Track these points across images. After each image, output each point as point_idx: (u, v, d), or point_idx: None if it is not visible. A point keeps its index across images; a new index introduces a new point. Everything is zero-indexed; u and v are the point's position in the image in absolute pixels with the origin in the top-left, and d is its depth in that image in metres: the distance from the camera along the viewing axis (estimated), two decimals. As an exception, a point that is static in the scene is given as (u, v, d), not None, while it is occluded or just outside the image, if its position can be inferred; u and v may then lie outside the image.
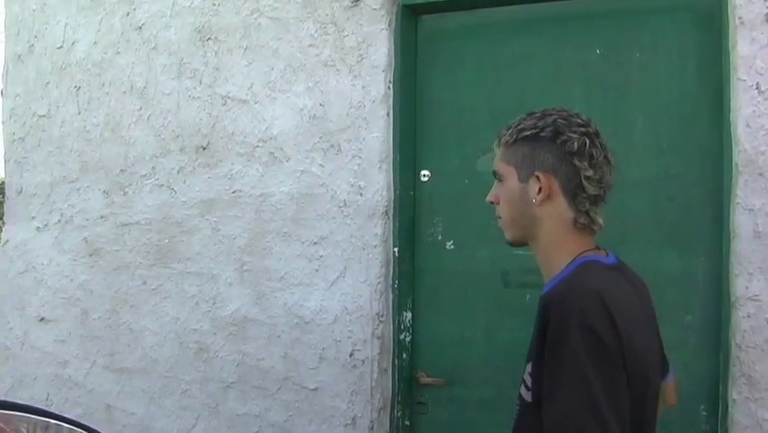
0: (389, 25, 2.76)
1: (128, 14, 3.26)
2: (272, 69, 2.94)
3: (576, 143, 1.54)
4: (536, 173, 1.56)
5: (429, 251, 2.82)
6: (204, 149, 3.07)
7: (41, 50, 3.48)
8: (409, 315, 2.83)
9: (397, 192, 2.77)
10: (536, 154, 1.57)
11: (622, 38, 2.56)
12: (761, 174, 2.28)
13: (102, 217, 3.30)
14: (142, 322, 3.20)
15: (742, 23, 2.31)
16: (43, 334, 3.47)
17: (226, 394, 3.02)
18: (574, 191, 1.55)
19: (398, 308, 2.78)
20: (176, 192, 3.13)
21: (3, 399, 1.62)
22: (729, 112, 2.35)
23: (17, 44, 3.58)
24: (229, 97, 3.02)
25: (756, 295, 2.28)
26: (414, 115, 2.84)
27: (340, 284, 2.81)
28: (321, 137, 2.85)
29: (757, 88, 2.28)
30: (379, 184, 2.76)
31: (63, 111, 3.41)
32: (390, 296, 2.77)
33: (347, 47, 2.82)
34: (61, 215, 3.42)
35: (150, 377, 3.18)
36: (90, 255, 3.34)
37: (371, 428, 2.75)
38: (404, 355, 2.80)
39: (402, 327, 2.80)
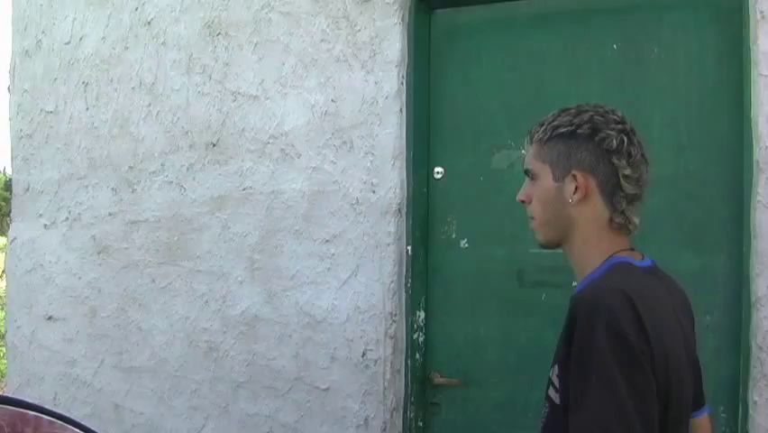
0: (403, 20, 2.75)
1: (137, 9, 3.25)
2: (283, 64, 2.93)
3: (615, 141, 1.52)
4: (573, 172, 1.54)
5: (443, 249, 2.81)
6: (214, 145, 3.06)
7: (48, 45, 3.47)
8: (422, 314, 2.82)
9: (411, 189, 2.75)
10: (573, 152, 1.54)
11: (640, 33, 2.54)
12: (782, 172, 2.26)
13: (110, 215, 3.30)
14: (151, 321, 3.20)
15: (763, 17, 2.29)
16: (51, 332, 3.46)
17: (236, 394, 3.02)
18: (612, 190, 1.53)
19: (412, 307, 2.77)
20: (185, 189, 3.12)
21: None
22: (750, 108, 2.33)
23: (24, 39, 3.57)
24: (239, 93, 3.01)
25: (777, 295, 2.25)
26: (427, 111, 2.83)
27: (352, 283, 2.80)
28: (333, 134, 2.84)
29: (778, 84, 2.26)
30: (392, 181, 2.74)
31: (71, 107, 3.40)
32: (403, 295, 2.75)
33: (359, 42, 2.80)
34: (69, 212, 3.41)
35: (160, 377, 3.18)
36: (98, 253, 3.34)
37: (384, 430, 2.74)
38: (417, 356, 2.80)
39: (415, 326, 2.80)
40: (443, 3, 2.81)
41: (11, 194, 3.67)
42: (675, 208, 2.50)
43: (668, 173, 2.50)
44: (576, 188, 1.53)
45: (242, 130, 3.01)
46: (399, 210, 2.74)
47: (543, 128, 1.59)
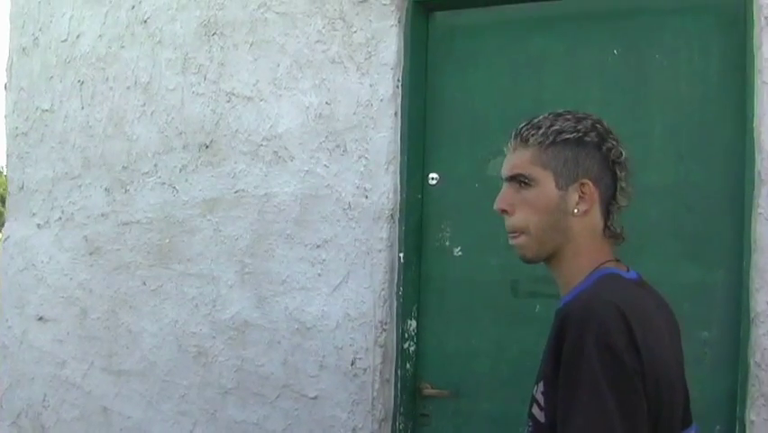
0: (399, 22, 2.71)
1: (133, 7, 3.23)
2: (278, 65, 2.90)
3: (616, 151, 1.49)
4: (582, 180, 1.48)
5: (436, 257, 2.76)
6: (207, 147, 3.03)
7: (45, 42, 3.47)
8: (414, 323, 2.77)
9: (404, 195, 2.71)
10: (581, 160, 1.48)
11: (641, 38, 2.50)
12: (785, 184, 2.21)
13: (103, 215, 3.28)
14: (141, 323, 3.18)
15: None
16: (42, 333, 3.45)
17: (225, 400, 2.98)
18: (608, 201, 1.50)
19: (403, 315, 2.73)
20: (178, 191, 3.10)
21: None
22: (753, 117, 2.28)
23: (22, 36, 3.57)
24: (234, 94, 2.99)
25: (778, 311, 2.21)
26: (423, 115, 2.79)
27: (343, 290, 2.77)
28: (327, 136, 2.81)
29: (783, 93, 2.22)
30: (385, 186, 2.71)
31: (67, 106, 3.39)
32: (395, 303, 2.72)
33: (355, 43, 2.77)
34: (62, 212, 3.40)
35: (149, 380, 3.15)
36: (90, 254, 3.32)
37: (372, 440, 2.70)
38: (407, 365, 2.75)
39: (406, 335, 2.75)
40: (441, 5, 2.77)
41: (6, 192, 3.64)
42: (674, 220, 2.46)
43: (668, 183, 2.46)
44: (580, 198, 1.48)
45: (236, 131, 2.98)
46: (392, 216, 2.71)
47: (541, 131, 1.51)
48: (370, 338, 2.72)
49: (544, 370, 1.42)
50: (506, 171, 1.56)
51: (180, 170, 3.09)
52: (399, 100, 2.71)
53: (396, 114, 2.71)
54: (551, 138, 1.49)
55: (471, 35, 2.75)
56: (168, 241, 3.11)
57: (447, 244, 2.75)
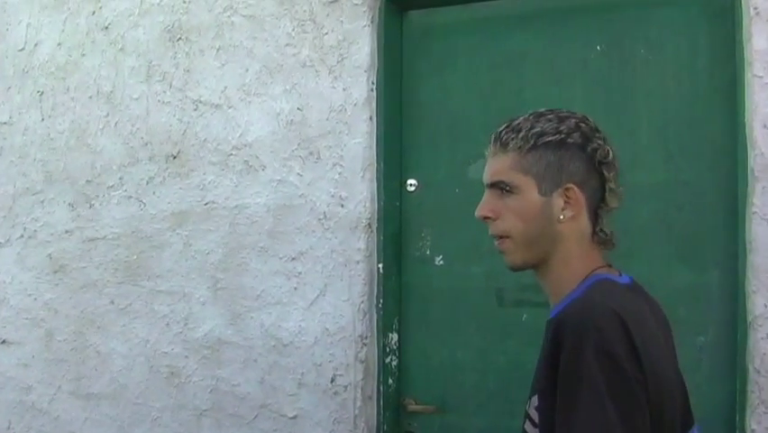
0: (372, 22, 2.67)
1: (93, 13, 3.14)
2: (247, 70, 2.86)
3: (603, 152, 1.44)
4: (567, 185, 1.43)
5: (417, 267, 2.73)
6: (174, 157, 2.98)
7: (1, 52, 3.33)
8: (395, 336, 2.74)
9: (382, 203, 2.68)
10: (565, 163, 1.43)
11: (626, 33, 2.46)
12: (780, 180, 2.16)
13: (67, 232, 3.18)
14: (110, 344, 3.09)
15: (758, 14, 2.19)
16: (5, 357, 3.32)
17: (200, 423, 2.91)
18: (597, 205, 1.46)
19: (384, 329, 2.69)
20: (145, 204, 3.03)
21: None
22: (744, 112, 2.24)
23: (-23, 47, 3.44)
24: (201, 102, 2.94)
25: (776, 314, 2.15)
26: (399, 119, 2.76)
27: (320, 303, 2.72)
28: (299, 144, 2.76)
29: (775, 86, 2.16)
30: (361, 195, 2.66)
31: (26, 118, 3.28)
32: (375, 316, 2.68)
33: (327, 46, 2.73)
34: (24, 229, 3.28)
35: (119, 404, 3.06)
36: (55, 272, 3.22)
37: (355, 460, 2.65)
38: (390, 381, 2.71)
39: (388, 349, 2.71)
40: (415, 3, 2.73)
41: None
42: (664, 220, 2.41)
43: (657, 182, 2.42)
44: (565, 204, 1.44)
45: (204, 141, 2.92)
46: (370, 225, 2.66)
47: (521, 135, 1.45)
48: (350, 353, 2.67)
49: (538, 383, 1.37)
50: (486, 178, 1.52)
51: (147, 183, 3.03)
52: (374, 104, 2.68)
53: (371, 118, 2.67)
54: (531, 142, 1.44)
55: (448, 34, 2.71)
56: (136, 257, 3.05)
57: (428, 252, 2.71)
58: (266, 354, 2.80)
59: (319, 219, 2.72)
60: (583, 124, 1.45)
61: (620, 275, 1.49)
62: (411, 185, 2.72)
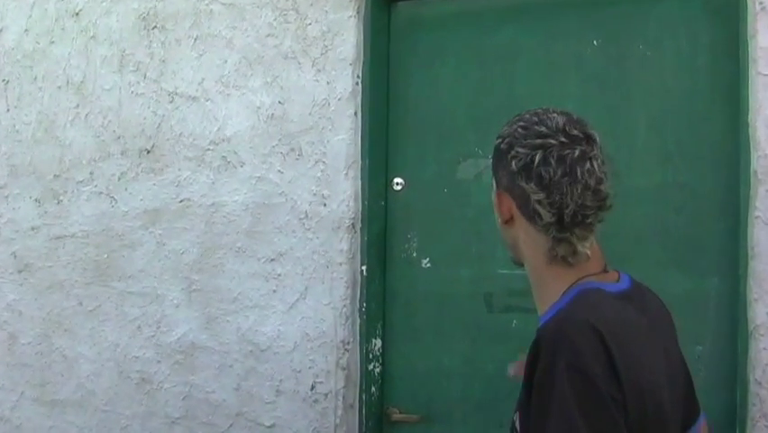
0: (358, 12, 2.66)
1: (63, -1, 3.18)
2: (225, 61, 2.85)
3: (522, 160, 1.40)
4: (498, 190, 1.47)
5: (402, 269, 2.72)
6: (148, 152, 2.99)
7: (-35, 39, 3.36)
8: (379, 342, 2.72)
9: (366, 203, 2.67)
10: (496, 168, 1.48)
11: (623, 27, 2.44)
12: (784, 183, 2.16)
13: (33, 229, 3.20)
14: (78, 348, 3.10)
15: (763, 9, 2.16)
16: (-34, 361, 3.34)
17: (171, 431, 2.93)
18: (531, 216, 1.42)
19: (367, 334, 2.68)
20: (116, 201, 3.04)
21: None
22: (747, 111, 2.20)
23: (-61, 33, 3.48)
24: (177, 94, 2.94)
25: (779, 323, 2.15)
26: (386, 114, 2.74)
27: (300, 307, 2.72)
28: (280, 139, 2.76)
29: (780, 85, 2.16)
30: (345, 193, 2.66)
31: (-10, 108, 3.31)
32: (357, 321, 2.67)
33: (310, 37, 2.72)
34: (-13, 226, 3.31)
35: (86, 411, 3.09)
36: (20, 272, 3.24)
37: (335, 472, 2.66)
38: (372, 389, 2.70)
39: (371, 356, 2.70)
40: None
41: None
42: (662, 224, 2.38)
43: (654, 184, 2.40)
44: (498, 208, 1.49)
45: (180, 135, 2.93)
46: (353, 225, 2.66)
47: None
48: (331, 360, 2.67)
49: (520, 399, 1.38)
50: None
51: (119, 179, 3.03)
52: (359, 98, 2.67)
53: (355, 113, 2.67)
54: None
55: (437, 27, 2.69)
56: (106, 256, 3.05)
57: (414, 255, 2.70)
58: (242, 359, 2.79)
59: (300, 219, 2.71)
60: (521, 130, 1.42)
61: (618, 279, 1.47)
62: (397, 184, 2.71)
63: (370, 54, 2.66)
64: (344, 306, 2.65)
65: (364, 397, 2.65)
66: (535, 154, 1.38)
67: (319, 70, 2.69)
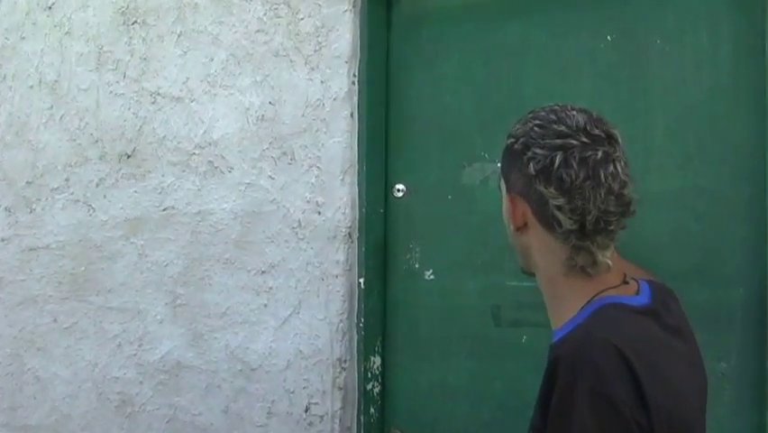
0: (354, 6, 2.66)
1: (35, -10, 3.21)
2: (212, 59, 2.87)
3: (540, 162, 1.38)
4: (511, 194, 1.45)
5: (404, 281, 2.72)
6: (128, 156, 3.00)
7: (-71, 35, 3.39)
8: (378, 360, 2.72)
9: (364, 210, 2.67)
10: (510, 171, 1.46)
11: (639, 21, 2.41)
12: (814, 187, 2.16)
13: (3, 240, 3.24)
14: (52, 369, 3.12)
15: None
16: (-70, 382, 3.35)
17: None
18: (549, 223, 1.40)
19: (365, 351, 2.68)
20: (94, 209, 3.06)
21: None
22: None
23: None
24: (159, 94, 2.96)
25: (810, 338, 2.14)
26: (384, 115, 2.74)
27: (293, 322, 2.72)
28: (271, 143, 2.77)
29: (810, 82, 2.15)
30: (341, 200, 2.66)
31: (-44, 110, 3.33)
32: (355, 337, 2.67)
33: (302, 33, 2.72)
34: (-46, 236, 3.32)
35: None
36: None
37: (332, 501, 2.66)
38: (372, 410, 2.70)
39: (369, 374, 2.70)
40: None
41: None
42: (682, 231, 2.36)
43: (673, 189, 2.37)
44: (512, 215, 1.46)
45: (163, 138, 2.94)
46: (350, 235, 2.66)
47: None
48: (326, 379, 2.67)
49: (534, 419, 1.37)
50: None
51: (97, 185, 3.05)
52: (355, 98, 2.68)
53: (351, 114, 2.67)
54: (505, 143, 1.49)
55: (440, 21, 2.69)
56: (83, 269, 3.07)
57: (417, 265, 2.70)
58: (231, 379, 2.80)
59: (293, 228, 2.72)
60: (537, 129, 1.40)
61: (638, 291, 1.46)
62: (399, 190, 2.72)
63: (367, 51, 2.66)
64: (341, 321, 2.65)
65: (363, 419, 2.65)
66: (555, 156, 1.36)
67: (313, 68, 2.70)
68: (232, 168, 2.82)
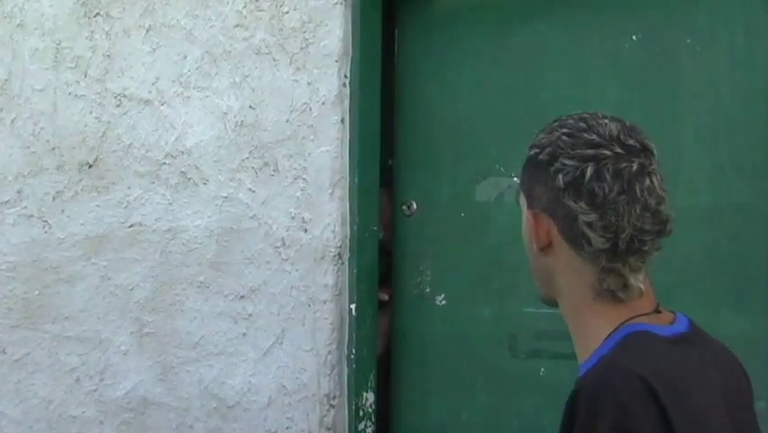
0: None
1: (-17, -21, 3.16)
2: (185, 57, 2.86)
3: (570, 174, 1.36)
4: (535, 210, 1.43)
5: (414, 307, 2.75)
6: (90, 166, 2.98)
7: None
8: (371, 396, 2.71)
9: (355, 228, 2.67)
10: (533, 185, 1.44)
11: (667, 19, 2.45)
12: None
13: None
14: (0, 407, 3.08)
15: None
16: None
17: None
18: (577, 242, 1.38)
19: (356, 387, 2.67)
20: (50, 226, 3.03)
21: None
22: None
23: None
24: (125, 96, 2.94)
25: None
26: (378, 122, 2.75)
27: (276, 353, 2.71)
28: (251, 152, 2.76)
29: None
30: (329, 216, 2.66)
31: None
32: (345, 370, 2.67)
33: (287, 28, 2.72)
34: None
35: None
36: None
37: None
38: None
39: (361, 413, 2.69)
40: None
41: None
42: (713, 252, 2.39)
43: (703, 205, 2.40)
44: (535, 231, 1.44)
45: (129, 146, 2.93)
46: (339, 255, 2.65)
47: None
48: (313, 418, 2.66)
49: None
50: None
51: (54, 199, 3.03)
52: (347, 102, 2.67)
53: (342, 120, 2.67)
54: (527, 153, 1.49)
55: (452, 23, 2.71)
56: (37, 293, 3.05)
57: (427, 290, 2.73)
58: (205, 418, 2.79)
59: (276, 247, 2.71)
60: (566, 138, 1.38)
61: (673, 321, 1.42)
62: (407, 207, 2.75)
63: (359, 49, 2.66)
64: (329, 352, 2.64)
65: (354, 462, 2.63)
66: (586, 167, 1.34)
67: (298, 68, 2.69)
68: (207, 180, 2.80)
